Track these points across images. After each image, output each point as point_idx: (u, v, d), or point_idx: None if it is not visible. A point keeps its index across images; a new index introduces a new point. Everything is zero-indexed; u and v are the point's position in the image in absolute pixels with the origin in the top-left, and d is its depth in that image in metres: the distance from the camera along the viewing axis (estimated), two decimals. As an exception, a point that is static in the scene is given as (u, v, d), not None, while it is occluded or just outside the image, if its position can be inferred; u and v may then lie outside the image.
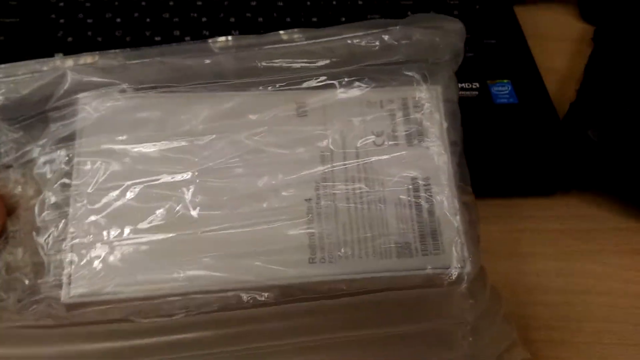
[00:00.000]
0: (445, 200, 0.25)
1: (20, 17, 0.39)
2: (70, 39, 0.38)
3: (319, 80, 0.26)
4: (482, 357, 0.24)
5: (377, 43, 0.26)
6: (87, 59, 0.27)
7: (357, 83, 0.26)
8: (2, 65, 0.26)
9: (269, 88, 0.26)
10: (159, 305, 0.22)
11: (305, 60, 0.26)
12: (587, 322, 0.29)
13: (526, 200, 0.34)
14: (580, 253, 0.32)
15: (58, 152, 0.25)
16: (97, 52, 0.27)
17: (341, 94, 0.26)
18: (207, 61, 0.26)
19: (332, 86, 0.26)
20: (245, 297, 0.22)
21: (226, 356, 0.22)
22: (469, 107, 0.35)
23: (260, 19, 0.40)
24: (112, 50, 0.27)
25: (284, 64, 0.26)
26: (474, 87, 0.36)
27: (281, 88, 0.26)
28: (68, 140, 0.25)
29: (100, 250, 0.23)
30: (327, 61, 0.26)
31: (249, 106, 0.25)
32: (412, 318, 0.23)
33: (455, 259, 0.24)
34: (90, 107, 0.25)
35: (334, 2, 0.41)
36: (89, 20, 0.39)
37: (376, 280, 0.23)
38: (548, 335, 0.29)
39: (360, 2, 0.41)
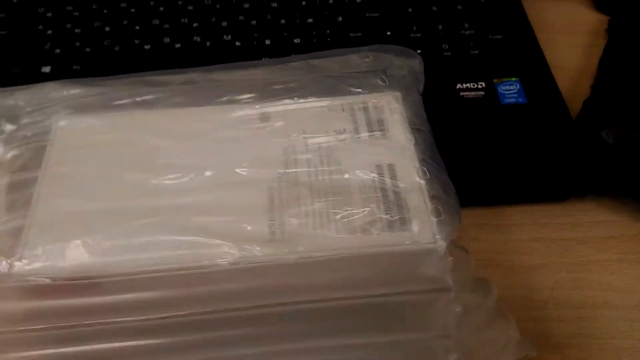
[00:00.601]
0: (411, 180, 0.25)
1: (8, 30, 0.38)
2: (58, 50, 0.37)
3: (281, 91, 0.27)
4: (478, 354, 0.23)
5: (337, 62, 0.29)
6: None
7: (318, 93, 0.28)
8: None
9: (235, 97, 0.27)
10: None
11: (269, 77, 0.28)
12: (607, 338, 0.27)
13: (538, 206, 0.32)
14: (598, 263, 0.30)
15: (26, 144, 0.26)
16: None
17: (302, 102, 0.27)
18: (179, 76, 0.28)
19: (293, 96, 0.27)
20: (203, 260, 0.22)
21: None
22: (474, 109, 0.34)
23: (254, 22, 0.38)
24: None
25: (250, 78, 0.28)
26: (479, 86, 0.34)
27: (245, 96, 0.27)
28: (40, 135, 0.26)
29: (64, 225, 0.23)
30: (291, 79, 0.28)
31: (214, 115, 0.27)
32: (386, 280, 0.23)
33: (425, 233, 0.23)
34: (65, 114, 0.27)
35: (331, 2, 0.39)
36: (77, 30, 0.38)
37: (340, 258, 0.22)
38: (564, 354, 0.27)
39: (358, 1, 0.39)
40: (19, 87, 0.29)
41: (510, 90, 0.34)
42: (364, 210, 0.23)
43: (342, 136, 0.26)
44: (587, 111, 0.33)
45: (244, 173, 0.25)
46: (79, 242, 0.22)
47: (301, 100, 0.27)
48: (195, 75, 0.28)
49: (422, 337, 0.23)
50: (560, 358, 0.27)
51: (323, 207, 0.23)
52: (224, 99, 0.27)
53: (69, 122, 0.26)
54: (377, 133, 0.26)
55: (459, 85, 0.34)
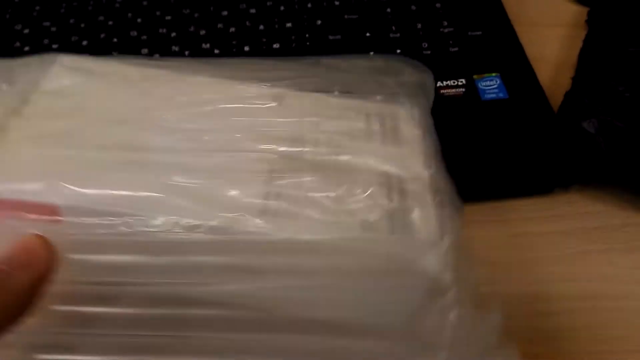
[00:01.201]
0: (417, 171, 0.23)
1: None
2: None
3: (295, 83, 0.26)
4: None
5: (347, 64, 0.27)
6: None
7: (333, 89, 0.26)
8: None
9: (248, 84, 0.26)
10: None
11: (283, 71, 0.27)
12: (597, 329, 0.27)
13: (523, 201, 0.31)
14: (586, 254, 0.30)
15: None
16: None
17: (318, 97, 0.26)
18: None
19: (308, 90, 0.26)
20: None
21: None
22: (454, 106, 0.34)
23: (232, 29, 0.38)
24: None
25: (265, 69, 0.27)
26: (459, 84, 0.34)
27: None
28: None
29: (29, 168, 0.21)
30: (308, 77, 0.26)
31: (227, 89, 0.25)
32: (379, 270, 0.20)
33: (428, 225, 0.21)
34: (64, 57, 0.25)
35: (309, 5, 0.39)
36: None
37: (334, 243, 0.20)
38: (554, 347, 0.27)
39: (336, 3, 0.39)
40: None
41: (490, 85, 0.34)
42: (365, 195, 0.22)
43: (354, 134, 0.24)
44: (568, 103, 0.33)
45: (245, 144, 0.23)
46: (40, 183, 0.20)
47: (317, 94, 0.26)
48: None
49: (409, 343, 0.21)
50: (551, 350, 0.27)
51: (323, 187, 0.22)
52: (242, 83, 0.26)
53: (67, 63, 0.24)
54: (388, 139, 0.25)
55: (439, 83, 0.34)
